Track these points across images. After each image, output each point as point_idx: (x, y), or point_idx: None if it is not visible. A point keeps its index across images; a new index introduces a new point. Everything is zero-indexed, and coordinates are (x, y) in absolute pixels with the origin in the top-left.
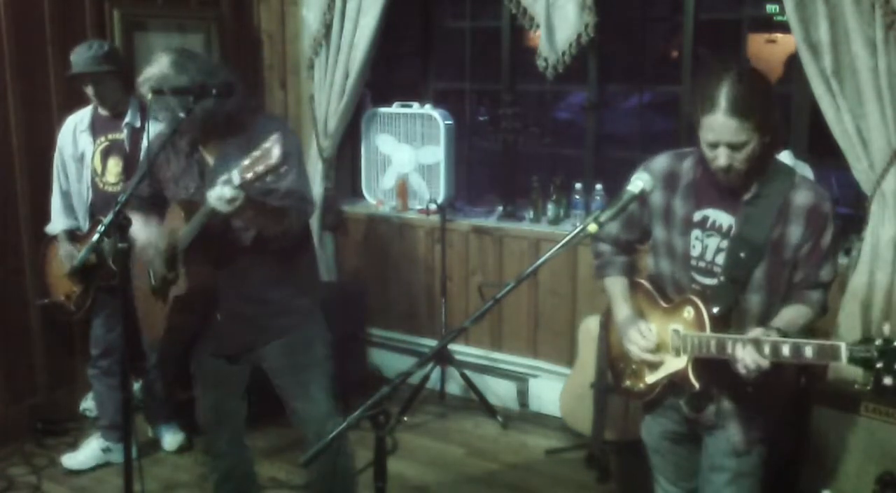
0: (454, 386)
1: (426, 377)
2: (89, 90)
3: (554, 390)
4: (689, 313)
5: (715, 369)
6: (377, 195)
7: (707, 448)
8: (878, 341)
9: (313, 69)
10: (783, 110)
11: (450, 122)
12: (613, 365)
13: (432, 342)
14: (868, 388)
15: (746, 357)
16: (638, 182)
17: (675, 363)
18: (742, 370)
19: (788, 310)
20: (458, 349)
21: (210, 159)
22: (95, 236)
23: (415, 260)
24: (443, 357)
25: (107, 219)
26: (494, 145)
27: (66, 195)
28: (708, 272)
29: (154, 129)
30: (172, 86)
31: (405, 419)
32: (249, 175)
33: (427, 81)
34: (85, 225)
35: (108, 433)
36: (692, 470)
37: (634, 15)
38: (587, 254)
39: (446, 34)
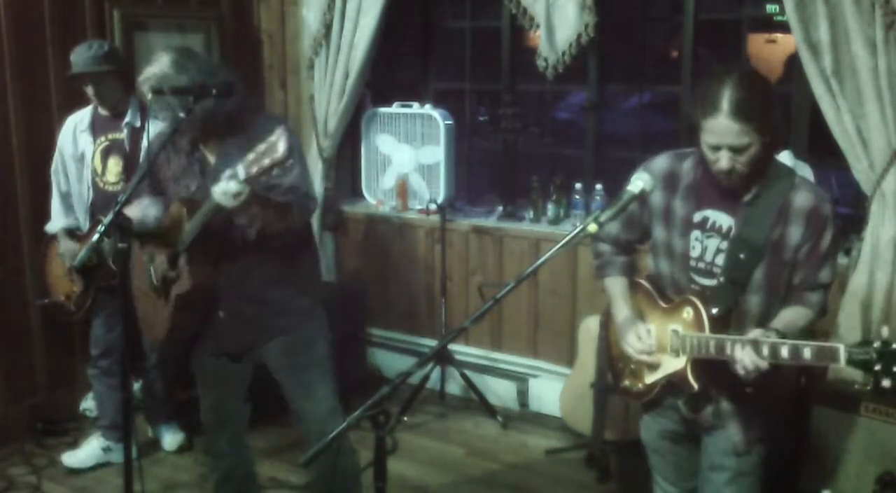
0: (454, 386)
1: (426, 377)
2: (89, 90)
3: (554, 390)
4: (688, 313)
5: (714, 370)
6: (377, 195)
7: (707, 448)
8: (877, 344)
9: (313, 69)
10: (783, 110)
11: (450, 122)
12: (612, 365)
13: (432, 342)
14: (868, 388)
15: (745, 358)
16: (638, 182)
17: (673, 364)
18: (741, 371)
19: (788, 311)
20: (458, 349)
21: (211, 158)
22: (95, 236)
23: (415, 260)
24: (443, 357)
25: (107, 219)
26: (494, 145)
27: (65, 195)
28: (707, 273)
29: (154, 128)
30: (172, 85)
31: (405, 418)
32: (255, 169)
33: (427, 81)
34: (85, 225)
35: (109, 432)
36: (692, 470)
37: (634, 15)
38: (587, 254)
39: (446, 34)
